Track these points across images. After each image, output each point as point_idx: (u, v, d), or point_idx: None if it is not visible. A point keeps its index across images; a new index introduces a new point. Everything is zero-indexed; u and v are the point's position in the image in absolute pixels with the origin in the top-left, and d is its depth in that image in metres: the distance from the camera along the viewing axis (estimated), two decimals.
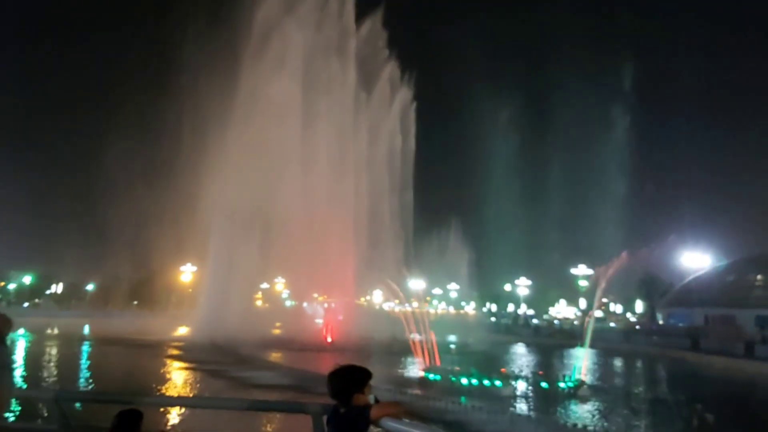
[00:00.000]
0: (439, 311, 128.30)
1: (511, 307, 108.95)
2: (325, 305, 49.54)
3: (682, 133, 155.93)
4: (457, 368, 24.49)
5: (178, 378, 23.54)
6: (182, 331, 49.68)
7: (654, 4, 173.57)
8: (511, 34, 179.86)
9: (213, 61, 51.08)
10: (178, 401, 15.21)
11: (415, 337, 25.64)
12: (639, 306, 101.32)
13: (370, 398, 4.07)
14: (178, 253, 73.64)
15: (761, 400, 22.57)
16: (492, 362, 28.70)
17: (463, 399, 20.00)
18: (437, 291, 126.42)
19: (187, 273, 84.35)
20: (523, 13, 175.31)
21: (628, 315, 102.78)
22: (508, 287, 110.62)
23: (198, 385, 21.56)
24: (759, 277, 64.96)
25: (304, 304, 73.35)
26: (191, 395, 18.63)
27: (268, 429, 13.45)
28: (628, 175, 63.91)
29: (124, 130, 58.59)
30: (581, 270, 68.20)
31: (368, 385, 4.18)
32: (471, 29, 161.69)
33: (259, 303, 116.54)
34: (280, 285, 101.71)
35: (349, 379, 4.20)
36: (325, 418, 4.35)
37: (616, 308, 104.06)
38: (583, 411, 18.62)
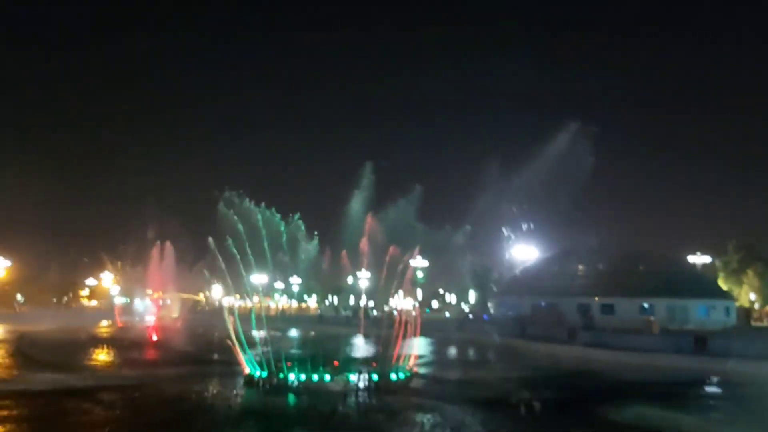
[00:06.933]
0: (281, 305, 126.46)
1: (352, 300, 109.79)
2: (160, 302, 46.70)
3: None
4: (289, 363, 23.41)
5: None
6: None
7: None
8: None
9: None
10: None
11: (254, 333, 24.25)
12: (472, 296, 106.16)
13: None
14: None
15: (579, 382, 23.82)
16: (328, 355, 27.94)
17: (290, 397, 19.02)
18: (279, 285, 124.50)
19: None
20: None
21: (462, 305, 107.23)
22: (350, 280, 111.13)
23: None
24: (580, 267, 69.93)
25: (135, 301, 69.68)
26: None
27: None
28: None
29: None
30: (419, 262, 69.73)
31: None
32: None
33: (86, 301, 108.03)
34: (108, 281, 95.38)
35: None
36: None
37: (451, 298, 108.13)
38: (412, 404, 18.34)
